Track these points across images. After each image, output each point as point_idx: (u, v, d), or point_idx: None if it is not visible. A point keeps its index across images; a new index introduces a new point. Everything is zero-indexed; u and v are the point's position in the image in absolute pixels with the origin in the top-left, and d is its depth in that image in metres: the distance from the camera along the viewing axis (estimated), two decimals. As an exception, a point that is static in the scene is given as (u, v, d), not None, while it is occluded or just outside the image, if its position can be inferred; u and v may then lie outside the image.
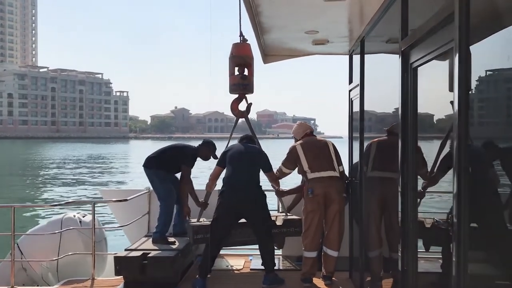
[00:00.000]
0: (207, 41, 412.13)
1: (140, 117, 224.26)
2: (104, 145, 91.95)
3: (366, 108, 4.52)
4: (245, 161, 5.27)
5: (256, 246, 5.60)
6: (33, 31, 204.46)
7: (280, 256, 6.18)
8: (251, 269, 5.79)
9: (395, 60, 3.20)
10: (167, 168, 5.96)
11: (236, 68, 5.71)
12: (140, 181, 26.33)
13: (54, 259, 5.81)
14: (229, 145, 5.61)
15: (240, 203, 5.13)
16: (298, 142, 5.39)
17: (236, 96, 5.91)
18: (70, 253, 5.74)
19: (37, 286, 5.90)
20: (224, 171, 5.37)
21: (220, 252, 5.82)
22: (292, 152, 5.33)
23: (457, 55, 2.03)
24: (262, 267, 5.28)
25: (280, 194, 5.81)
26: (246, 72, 5.74)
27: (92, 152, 64.08)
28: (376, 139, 4.28)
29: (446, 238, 2.22)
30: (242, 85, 5.75)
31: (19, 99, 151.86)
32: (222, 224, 5.13)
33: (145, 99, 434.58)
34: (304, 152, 5.23)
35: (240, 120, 6.12)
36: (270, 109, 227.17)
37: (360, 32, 4.54)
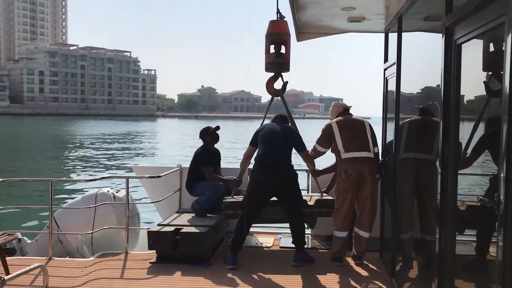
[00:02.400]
0: (237, 20, 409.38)
1: (167, 95, 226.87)
2: (133, 123, 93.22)
3: (402, 87, 4.43)
4: (277, 140, 5.23)
5: (285, 225, 5.64)
6: (63, 9, 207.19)
7: (309, 235, 6.20)
8: (280, 247, 5.84)
9: (435, 38, 3.11)
10: (200, 179, 6.07)
11: (272, 46, 5.64)
12: (168, 157, 26.79)
13: (89, 232, 5.98)
14: (262, 125, 5.61)
15: (271, 182, 5.13)
16: (334, 120, 5.29)
17: (271, 74, 5.88)
18: (105, 227, 5.89)
19: (73, 258, 6.09)
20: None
21: (250, 230, 5.88)
22: (328, 129, 5.24)
23: (510, 30, 1.96)
24: (292, 245, 5.32)
25: (315, 173, 5.76)
26: (282, 50, 5.67)
27: (121, 129, 65.20)
28: (408, 119, 4.20)
29: (489, 219, 2.17)
30: (277, 63, 5.70)
31: (50, 77, 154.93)
32: (252, 203, 5.17)
33: (172, 78, 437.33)
34: (339, 131, 5.14)
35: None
36: (296, 89, 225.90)
37: (397, 9, 4.42)
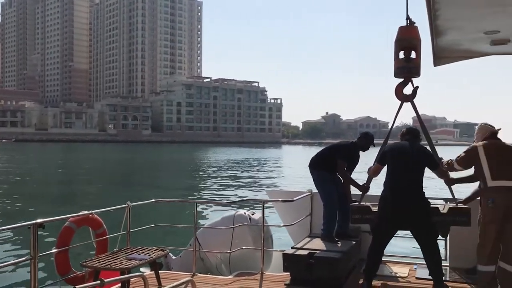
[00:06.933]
0: (360, 46, 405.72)
1: (292, 123, 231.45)
2: (260, 150, 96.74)
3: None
4: (408, 164, 5.02)
5: (420, 254, 5.43)
6: (198, 45, 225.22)
7: (448, 267, 5.88)
8: (416, 278, 5.63)
9: None
10: (327, 168, 6.14)
11: (402, 52, 5.59)
12: (295, 183, 27.23)
13: (227, 252, 6.37)
14: (390, 143, 5.47)
15: (402, 212, 4.94)
16: (481, 143, 5.00)
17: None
18: (243, 247, 6.23)
19: (212, 275, 6.51)
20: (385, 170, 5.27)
21: (383, 259, 5.78)
22: (472, 152, 4.98)
23: None
24: (429, 277, 5.10)
25: (451, 182, 5.47)
26: (413, 55, 5.58)
27: (250, 156, 68.01)
28: None
29: None
30: (406, 68, 5.60)
31: (186, 107, 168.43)
32: (382, 233, 5.08)
33: (297, 105, 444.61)
34: (486, 156, 4.84)
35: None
36: (427, 114, 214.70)
37: (548, 28, 4.14)
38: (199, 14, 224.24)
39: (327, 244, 5.80)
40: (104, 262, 4.72)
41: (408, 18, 5.54)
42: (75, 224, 5.30)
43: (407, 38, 5.55)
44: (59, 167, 42.90)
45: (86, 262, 4.68)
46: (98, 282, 3.45)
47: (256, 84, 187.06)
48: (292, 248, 5.70)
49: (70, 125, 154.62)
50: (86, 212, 5.38)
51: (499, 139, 5.07)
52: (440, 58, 5.43)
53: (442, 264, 5.13)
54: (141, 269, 6.28)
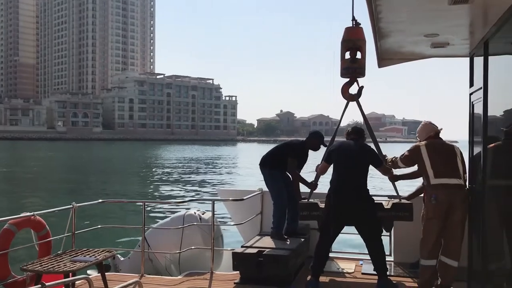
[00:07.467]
0: (315, 46, 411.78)
1: (247, 120, 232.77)
2: (215, 147, 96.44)
3: (490, 111, 4.30)
4: (352, 163, 5.21)
5: (366, 250, 5.59)
6: (151, 41, 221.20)
7: (392, 263, 6.08)
8: (362, 273, 5.78)
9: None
10: (278, 166, 6.19)
11: (348, 52, 5.71)
12: (248, 181, 27.32)
13: (177, 252, 6.31)
14: (335, 142, 5.63)
15: (346, 209, 5.12)
16: (423, 142, 5.17)
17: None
18: (192, 247, 6.18)
19: (161, 275, 6.42)
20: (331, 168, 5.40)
21: (330, 255, 5.90)
22: (415, 151, 5.13)
23: None
24: (374, 272, 5.26)
25: (394, 178, 5.65)
26: (358, 56, 5.73)
27: (205, 153, 67.60)
28: (493, 144, 4.06)
29: None
30: (352, 68, 5.74)
31: (139, 104, 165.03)
32: (328, 229, 5.21)
33: (252, 103, 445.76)
34: (429, 155, 5.01)
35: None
36: (377, 112, 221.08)
37: (483, 34, 4.34)
38: (152, 9, 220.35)
39: (276, 242, 5.85)
40: (47, 265, 4.54)
41: (353, 19, 5.68)
42: (15, 227, 5.07)
43: (352, 39, 5.69)
44: (1, 166, 40.98)
45: (27, 265, 4.48)
46: (39, 286, 3.32)
47: (211, 81, 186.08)
48: (242, 246, 5.72)
49: (16, 122, 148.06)
50: (28, 213, 5.18)
51: (441, 138, 5.30)
52: (384, 59, 5.58)
53: (387, 259, 5.30)
54: (88, 272, 6.12)
